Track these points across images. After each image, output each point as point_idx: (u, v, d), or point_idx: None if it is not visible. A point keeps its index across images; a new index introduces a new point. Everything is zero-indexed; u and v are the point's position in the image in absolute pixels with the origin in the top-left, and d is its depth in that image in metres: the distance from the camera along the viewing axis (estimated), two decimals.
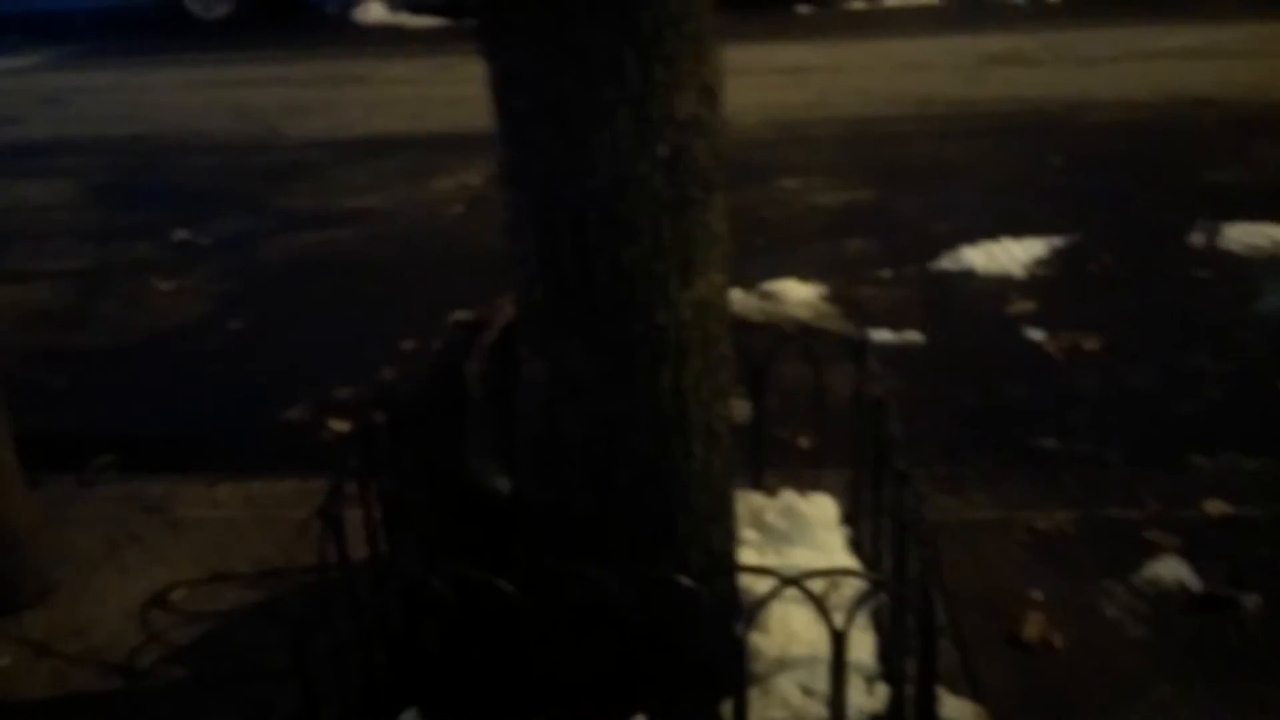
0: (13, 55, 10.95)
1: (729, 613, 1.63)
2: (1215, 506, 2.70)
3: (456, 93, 7.76)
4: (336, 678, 1.88)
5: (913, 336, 3.85)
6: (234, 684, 2.25)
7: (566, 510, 1.85)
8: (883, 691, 2.03)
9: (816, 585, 1.72)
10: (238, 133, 7.10)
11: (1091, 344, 3.76)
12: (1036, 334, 3.85)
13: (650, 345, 1.71)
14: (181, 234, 5.34)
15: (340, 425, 3.51)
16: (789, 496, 2.37)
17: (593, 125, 1.57)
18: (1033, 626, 2.31)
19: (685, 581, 1.58)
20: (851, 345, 2.27)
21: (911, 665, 1.99)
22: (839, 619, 1.64)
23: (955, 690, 2.11)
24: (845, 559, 2.33)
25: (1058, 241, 4.62)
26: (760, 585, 2.17)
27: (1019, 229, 4.68)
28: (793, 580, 1.58)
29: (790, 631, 2.09)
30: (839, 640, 1.61)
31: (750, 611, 1.60)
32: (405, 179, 6.03)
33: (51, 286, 4.81)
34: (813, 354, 2.36)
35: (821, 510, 2.35)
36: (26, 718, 2.18)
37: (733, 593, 2.03)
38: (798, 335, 2.33)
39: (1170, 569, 2.45)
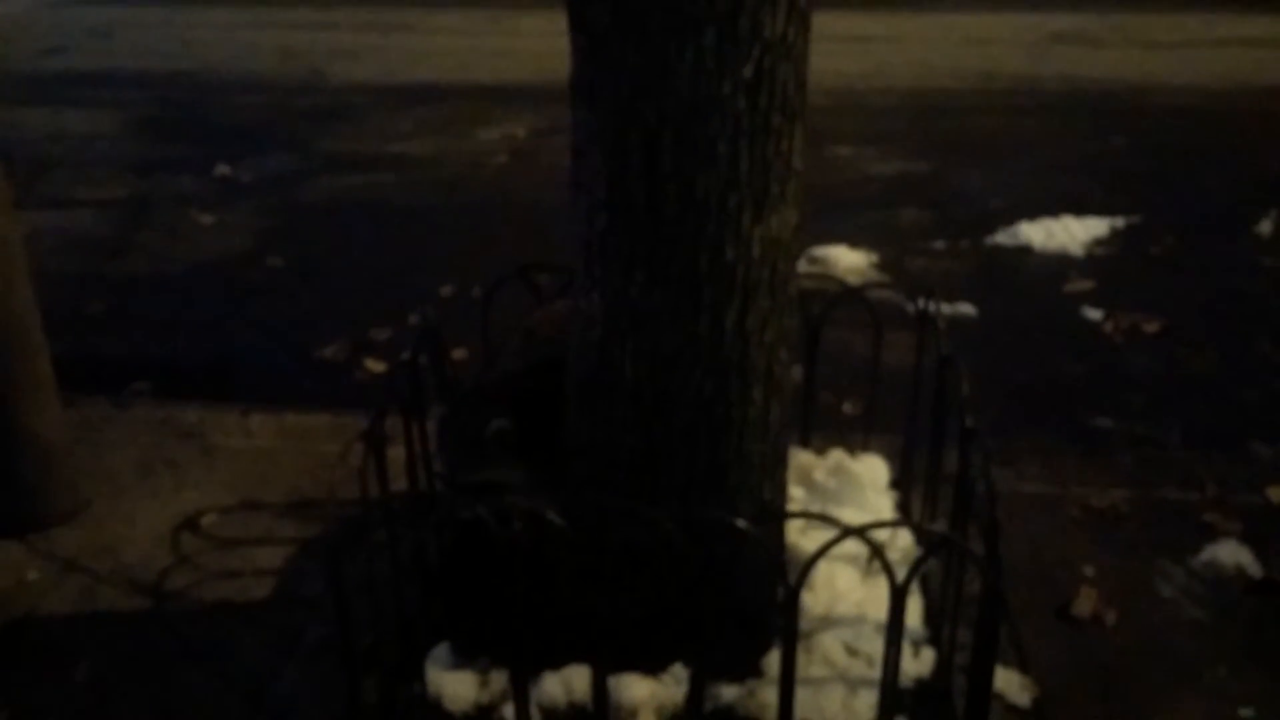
0: None
1: (778, 566, 1.55)
2: (1277, 493, 2.61)
3: (504, 44, 7.68)
4: (370, 609, 1.82)
5: (965, 309, 3.75)
6: (263, 611, 2.21)
7: (615, 451, 1.78)
8: (929, 656, 1.96)
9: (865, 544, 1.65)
10: (283, 74, 7.04)
11: (1151, 326, 3.65)
12: (1094, 313, 3.74)
13: (717, 281, 1.63)
14: (223, 169, 5.30)
15: (376, 365, 3.47)
16: (838, 456, 2.30)
17: (675, 40, 1.48)
18: (1085, 602, 2.23)
19: (740, 524, 1.50)
20: (913, 303, 2.18)
21: (961, 633, 1.93)
22: (899, 575, 1.56)
23: (1004, 661, 2.04)
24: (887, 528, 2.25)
25: (1119, 222, 4.49)
26: (807, 544, 2.11)
27: (1079, 208, 4.56)
28: (856, 530, 1.50)
29: (836, 590, 2.02)
30: (899, 595, 1.53)
31: (806, 563, 1.52)
32: (449, 128, 5.95)
33: (93, 214, 4.78)
34: (873, 311, 2.28)
35: (872, 471, 2.28)
36: (54, 631, 2.15)
37: (780, 548, 1.96)
38: (852, 294, 2.24)
39: (1230, 552, 2.37)
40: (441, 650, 1.90)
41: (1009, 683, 1.98)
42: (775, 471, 1.87)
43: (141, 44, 8.23)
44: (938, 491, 2.05)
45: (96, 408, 2.95)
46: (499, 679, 1.87)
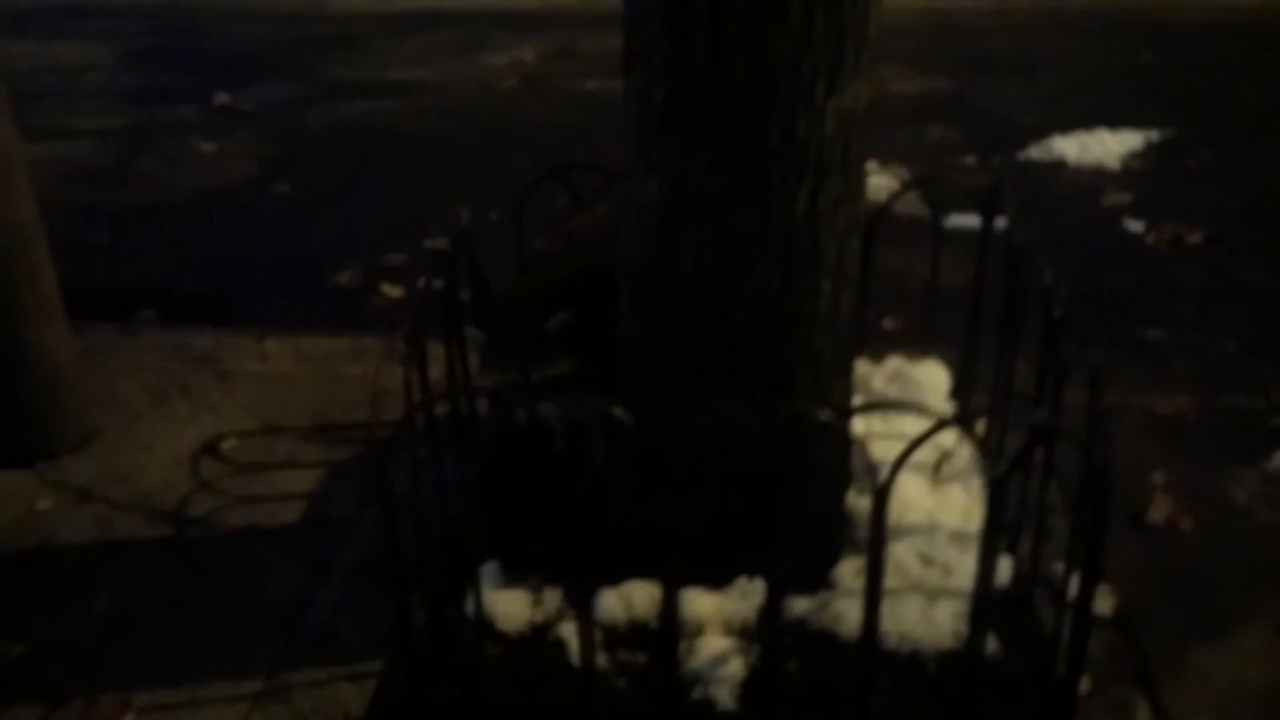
0: None
1: (865, 463, 1.43)
2: None
3: None
4: (413, 528, 1.70)
5: (1002, 224, 3.60)
6: (291, 535, 2.09)
7: (673, 350, 1.65)
8: (1006, 564, 1.84)
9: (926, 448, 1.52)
10: (279, 2, 6.79)
11: (1194, 237, 3.52)
12: (1135, 225, 3.60)
13: (787, 159, 1.49)
14: (222, 98, 5.11)
15: (393, 290, 3.33)
16: (897, 363, 2.17)
17: None
18: (1159, 508, 2.13)
19: (825, 416, 1.38)
20: (982, 194, 2.04)
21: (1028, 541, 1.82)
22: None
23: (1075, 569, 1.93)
24: (954, 433, 2.13)
25: (1154, 135, 4.33)
26: (872, 450, 1.99)
27: (1112, 121, 4.40)
28: (954, 420, 1.37)
29: (904, 500, 1.90)
30: (996, 491, 1.41)
31: (897, 460, 1.39)
32: (455, 53, 5.75)
33: (90, 144, 4.60)
34: (934, 208, 2.14)
35: (933, 377, 2.15)
36: (70, 561, 2.03)
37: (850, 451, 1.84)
38: (918, 185, 2.10)
39: None
40: (491, 568, 1.79)
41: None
42: (847, 370, 1.74)
43: None
44: (1012, 390, 1.92)
45: (103, 335, 2.81)
46: (553, 597, 1.76)
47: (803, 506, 1.64)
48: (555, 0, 6.57)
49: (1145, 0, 6.40)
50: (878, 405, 1.71)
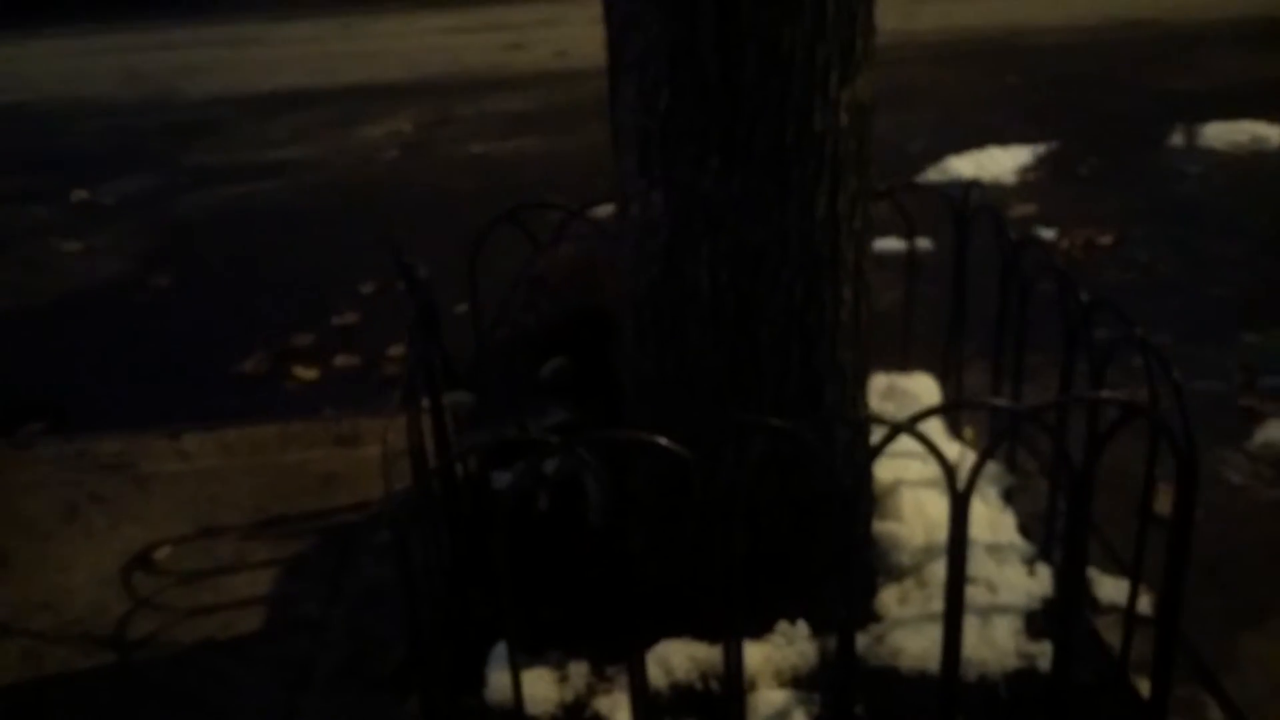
0: None
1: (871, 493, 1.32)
2: None
3: (366, 47, 7.31)
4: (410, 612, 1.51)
5: (922, 244, 3.60)
6: (254, 644, 1.85)
7: (689, 380, 1.51)
8: (1045, 573, 1.75)
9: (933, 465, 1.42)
10: (130, 95, 6.49)
11: (1105, 239, 3.59)
12: (1048, 233, 3.65)
13: (805, 158, 1.39)
14: (81, 195, 4.79)
15: (308, 372, 3.09)
16: (888, 378, 2.08)
17: None
18: (1164, 499, 2.07)
19: (889, 418, 1.26)
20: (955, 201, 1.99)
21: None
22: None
23: (1104, 570, 1.86)
24: (949, 443, 2.05)
25: (1040, 149, 4.46)
26: (880, 473, 1.88)
27: (1000, 140, 4.50)
28: (1032, 411, 1.27)
29: (929, 518, 1.80)
30: (1084, 477, 1.31)
31: (974, 466, 1.28)
32: (328, 130, 5.55)
33: None
34: (905, 211, 2.09)
35: (925, 390, 2.07)
36: (2, 705, 1.74)
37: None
38: (887, 194, 2.03)
39: None
40: (500, 650, 1.59)
41: (1120, 591, 1.79)
42: (865, 383, 1.63)
43: None
44: (1020, 383, 1.85)
45: None
46: (579, 671, 1.57)
47: (837, 535, 1.52)
48: (424, 70, 6.46)
49: (996, 28, 6.68)
50: (937, 409, 1.59)
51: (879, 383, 2.09)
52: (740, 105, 1.34)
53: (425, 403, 1.58)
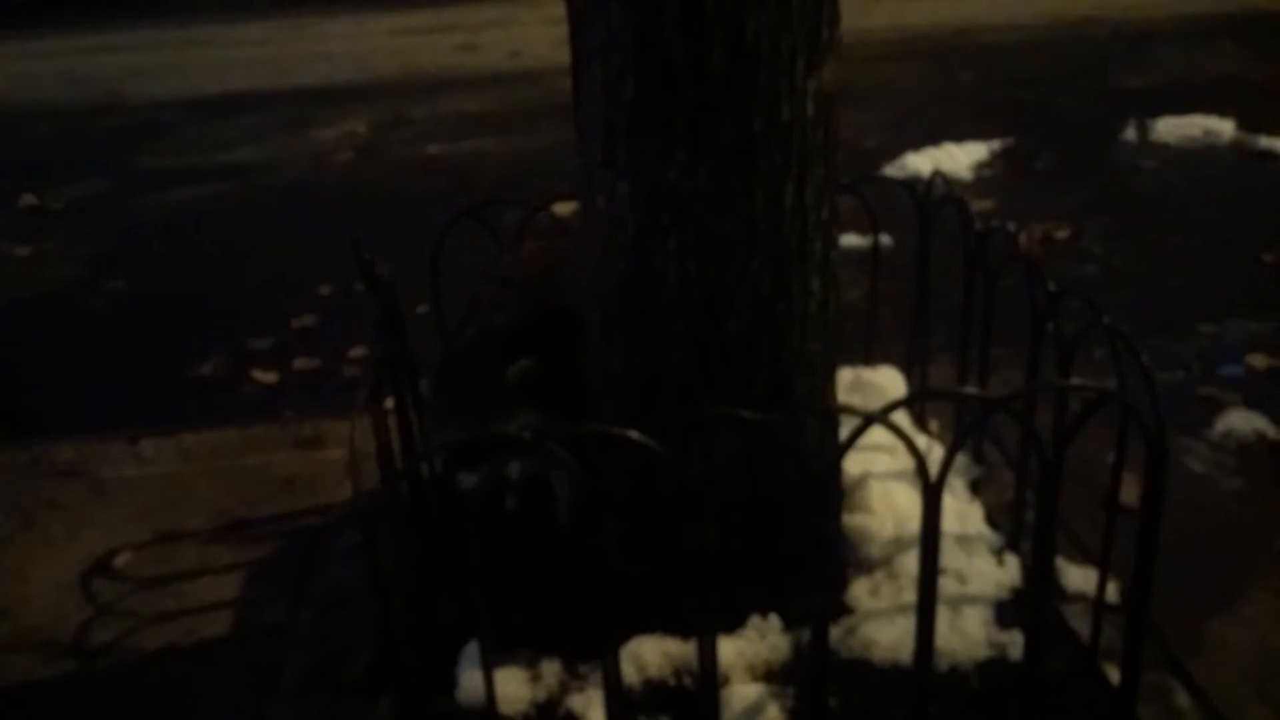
0: None
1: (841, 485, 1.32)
2: (1259, 360, 2.58)
3: (319, 49, 7.23)
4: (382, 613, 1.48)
5: (883, 239, 3.62)
6: (219, 650, 1.82)
7: (657, 375, 1.50)
8: (1013, 563, 1.76)
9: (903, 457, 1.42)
10: (75, 99, 6.36)
11: (1062, 233, 3.63)
12: (1007, 228, 3.68)
13: (772, 147, 1.38)
14: (28, 199, 4.68)
15: (266, 376, 3.05)
16: (853, 372, 2.08)
17: None
18: (1129, 489, 2.09)
19: (860, 410, 1.26)
20: (914, 189, 1.99)
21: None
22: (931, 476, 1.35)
23: (1071, 559, 1.87)
24: (917, 435, 2.06)
25: (996, 145, 4.50)
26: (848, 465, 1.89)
27: (955, 137, 4.53)
28: (1002, 400, 1.28)
29: (898, 511, 1.81)
30: (1052, 467, 1.31)
31: (946, 458, 1.28)
32: (280, 132, 5.48)
33: None
34: (868, 204, 2.09)
35: (892, 383, 2.08)
36: None
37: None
38: (848, 187, 2.04)
39: (1242, 420, 2.31)
40: (471, 650, 1.57)
41: (1088, 580, 1.81)
42: (833, 375, 1.63)
43: None
44: (987, 373, 1.86)
45: None
46: (551, 669, 1.56)
47: (807, 527, 1.52)
48: (378, 72, 6.40)
49: (945, 27, 6.74)
50: (909, 399, 1.59)
51: (845, 377, 2.10)
52: (708, 94, 1.34)
53: (390, 403, 1.56)
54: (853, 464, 1.87)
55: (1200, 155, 4.32)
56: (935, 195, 2.04)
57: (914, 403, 1.88)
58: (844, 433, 1.50)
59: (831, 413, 1.58)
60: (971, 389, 1.82)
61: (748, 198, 1.39)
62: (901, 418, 2.13)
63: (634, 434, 1.23)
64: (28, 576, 2.02)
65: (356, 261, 1.78)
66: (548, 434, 1.24)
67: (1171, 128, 4.51)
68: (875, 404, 2.03)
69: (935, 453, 1.98)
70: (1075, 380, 1.55)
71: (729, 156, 1.37)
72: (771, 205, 1.41)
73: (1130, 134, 4.55)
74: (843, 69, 1.47)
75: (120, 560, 2.05)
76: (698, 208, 1.39)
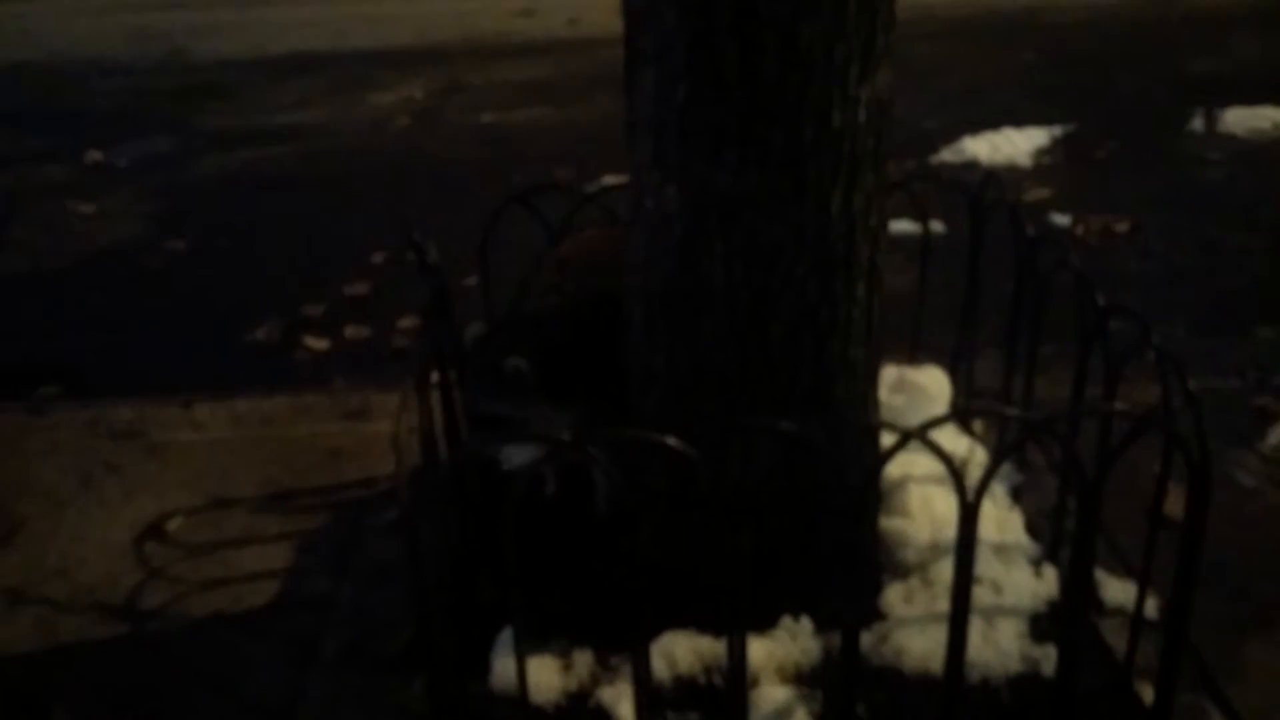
0: None
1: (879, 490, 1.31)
2: None
3: (379, 11, 7.23)
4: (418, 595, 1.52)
5: (934, 227, 3.58)
6: (264, 619, 1.87)
7: (700, 374, 1.51)
8: (1051, 575, 1.76)
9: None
10: (140, 55, 6.44)
11: (1121, 226, 3.56)
12: (1062, 219, 3.63)
13: (822, 154, 1.38)
14: (95, 155, 4.77)
15: (318, 343, 3.10)
16: (898, 371, 2.07)
17: None
18: (1174, 501, 2.07)
19: (900, 426, 1.26)
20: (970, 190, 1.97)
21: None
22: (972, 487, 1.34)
23: (1111, 572, 1.86)
24: (959, 438, 2.05)
25: (1057, 131, 4.41)
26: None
27: (1016, 121, 4.45)
28: (1044, 422, 1.27)
29: (935, 517, 1.80)
30: (1092, 490, 1.31)
31: (987, 472, 1.28)
32: (339, 95, 5.52)
33: None
34: (920, 204, 2.08)
35: (935, 383, 2.06)
36: (13, 674, 1.77)
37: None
38: (901, 184, 2.02)
39: None
40: (506, 637, 1.60)
41: (1126, 593, 1.80)
42: (875, 381, 1.63)
43: None
44: (1033, 385, 1.85)
45: (8, 417, 2.53)
46: (583, 660, 1.59)
47: (843, 531, 1.52)
48: (435, 37, 6.40)
49: (1010, 5, 6.59)
50: (948, 416, 1.58)
51: (889, 375, 2.08)
52: (759, 99, 1.34)
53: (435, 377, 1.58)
54: (892, 466, 1.84)
55: (1269, 149, 4.21)
56: (989, 197, 2.01)
57: (954, 420, 1.86)
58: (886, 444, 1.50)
59: (871, 428, 1.58)
60: (1013, 410, 1.80)
61: (796, 203, 1.39)
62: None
63: (673, 440, 1.24)
64: (85, 537, 2.09)
65: (409, 243, 1.80)
66: (588, 436, 1.25)
67: (1240, 119, 4.39)
68: (919, 406, 2.02)
69: (977, 456, 1.98)
70: (1119, 405, 1.53)
71: (779, 162, 1.37)
72: (819, 212, 1.41)
73: (1197, 124, 4.44)
74: (893, 71, 1.46)
75: (172, 525, 2.12)
76: (746, 212, 1.40)
